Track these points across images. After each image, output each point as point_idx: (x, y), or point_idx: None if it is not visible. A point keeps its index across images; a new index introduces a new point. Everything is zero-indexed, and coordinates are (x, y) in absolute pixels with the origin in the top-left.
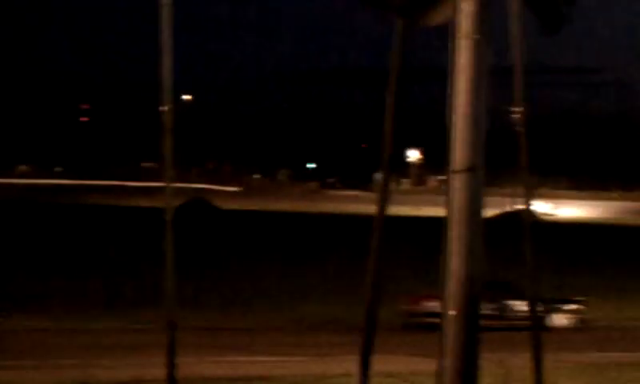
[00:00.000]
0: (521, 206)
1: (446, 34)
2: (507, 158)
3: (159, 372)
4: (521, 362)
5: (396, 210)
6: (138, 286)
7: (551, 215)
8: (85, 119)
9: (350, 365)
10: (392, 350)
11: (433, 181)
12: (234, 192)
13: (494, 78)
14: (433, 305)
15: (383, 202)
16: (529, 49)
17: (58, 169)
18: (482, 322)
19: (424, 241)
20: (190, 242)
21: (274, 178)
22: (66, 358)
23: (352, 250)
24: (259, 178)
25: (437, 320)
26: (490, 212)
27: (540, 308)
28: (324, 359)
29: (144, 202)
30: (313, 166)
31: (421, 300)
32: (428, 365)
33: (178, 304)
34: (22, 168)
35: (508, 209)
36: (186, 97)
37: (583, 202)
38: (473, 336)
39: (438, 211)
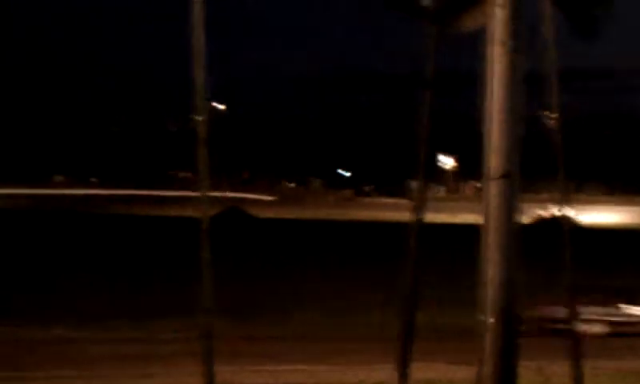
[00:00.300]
0: (556, 212)
1: (479, 40)
2: (544, 165)
3: (196, 381)
4: (560, 369)
5: (432, 217)
6: (173, 296)
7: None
8: (115, 129)
9: (388, 373)
10: (432, 357)
11: (468, 188)
12: (269, 201)
13: (528, 83)
14: (564, 310)
15: (419, 209)
16: (566, 53)
17: (93, 179)
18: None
19: (460, 248)
20: (227, 251)
21: (308, 186)
22: (100, 368)
23: (389, 258)
24: (293, 186)
25: (566, 326)
26: (526, 218)
27: None
28: (363, 367)
29: (179, 212)
30: (346, 173)
31: (551, 306)
32: (467, 372)
33: (215, 313)
34: (58, 178)
35: (544, 215)
36: (218, 106)
37: (618, 208)
38: (510, 343)
39: (474, 218)
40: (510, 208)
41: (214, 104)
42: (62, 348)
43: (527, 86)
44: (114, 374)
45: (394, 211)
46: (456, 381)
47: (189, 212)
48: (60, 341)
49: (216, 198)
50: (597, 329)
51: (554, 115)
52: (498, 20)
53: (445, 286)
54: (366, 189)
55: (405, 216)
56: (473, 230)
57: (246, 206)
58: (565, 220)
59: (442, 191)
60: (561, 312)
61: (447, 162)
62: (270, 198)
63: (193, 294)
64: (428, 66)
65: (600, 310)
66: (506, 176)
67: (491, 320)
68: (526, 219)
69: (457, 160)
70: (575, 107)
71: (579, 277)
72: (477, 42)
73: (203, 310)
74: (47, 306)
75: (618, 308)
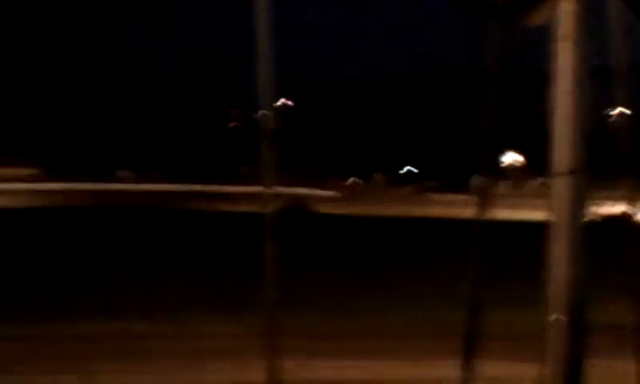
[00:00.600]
0: (621, 210)
1: (546, 34)
2: (614, 161)
3: (259, 376)
4: (631, 367)
5: (496, 213)
6: (239, 291)
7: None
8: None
9: (455, 370)
10: (499, 355)
11: (533, 184)
12: (333, 197)
13: (598, 78)
14: None
15: (484, 206)
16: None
17: (156, 174)
18: None
19: (525, 245)
20: (291, 247)
21: (370, 182)
22: (170, 362)
23: (454, 255)
24: (356, 181)
25: None
26: (595, 215)
27: None
28: (429, 363)
29: (244, 208)
30: (411, 169)
31: None
32: (535, 370)
33: (279, 309)
34: (122, 173)
35: (613, 212)
36: (286, 102)
37: None
38: (577, 341)
39: (539, 215)
40: (577, 204)
41: (283, 100)
42: (127, 342)
43: (595, 80)
44: (175, 368)
45: (459, 208)
46: (525, 379)
47: (254, 208)
48: (126, 335)
49: (281, 193)
50: None
51: (621, 111)
52: (563, 13)
53: (510, 283)
54: (428, 185)
55: (469, 213)
56: (538, 227)
57: (310, 201)
58: (629, 218)
59: (505, 187)
60: None
61: (513, 158)
62: (333, 194)
63: (258, 289)
64: (493, 62)
65: None
66: (572, 172)
67: (558, 318)
68: (594, 216)
69: (523, 155)
70: None
71: None
72: (544, 36)
73: (267, 305)
74: (110, 301)
75: None
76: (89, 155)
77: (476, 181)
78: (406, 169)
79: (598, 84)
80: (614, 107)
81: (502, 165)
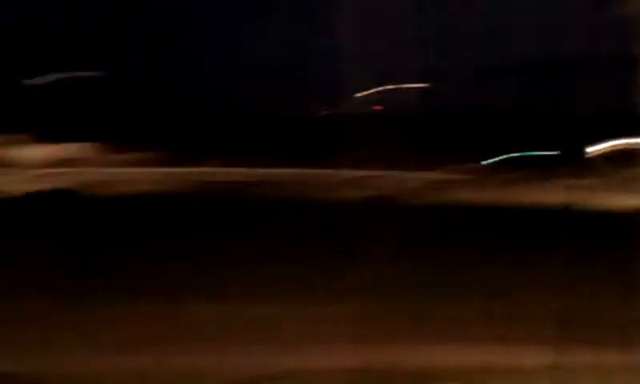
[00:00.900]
0: None
1: None
2: None
3: (353, 361)
4: None
5: (584, 201)
6: (329, 277)
7: None
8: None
9: (543, 357)
10: (585, 342)
11: (623, 173)
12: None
13: None
14: None
15: (571, 194)
16: None
17: (243, 161)
18: None
19: (614, 234)
20: (379, 234)
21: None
22: (254, 347)
23: (542, 243)
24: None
25: None
26: None
27: None
28: (517, 349)
29: (334, 195)
30: (500, 157)
31: None
32: (619, 357)
33: (372, 294)
34: (210, 160)
35: None
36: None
37: None
38: None
39: (629, 203)
40: None
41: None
42: (222, 325)
43: None
44: (261, 351)
45: (547, 196)
46: (615, 367)
47: (345, 195)
48: (222, 318)
49: (369, 181)
50: None
51: None
52: None
53: (599, 271)
54: (514, 174)
55: (557, 200)
56: (629, 216)
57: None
58: None
59: (593, 175)
60: None
61: (603, 145)
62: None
63: (350, 275)
64: (586, 50)
65: None
66: None
67: None
68: None
69: (613, 145)
70: None
71: None
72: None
73: (359, 290)
74: (205, 286)
75: None
76: (179, 141)
77: (563, 169)
78: (495, 159)
79: None
80: None
81: (591, 153)
